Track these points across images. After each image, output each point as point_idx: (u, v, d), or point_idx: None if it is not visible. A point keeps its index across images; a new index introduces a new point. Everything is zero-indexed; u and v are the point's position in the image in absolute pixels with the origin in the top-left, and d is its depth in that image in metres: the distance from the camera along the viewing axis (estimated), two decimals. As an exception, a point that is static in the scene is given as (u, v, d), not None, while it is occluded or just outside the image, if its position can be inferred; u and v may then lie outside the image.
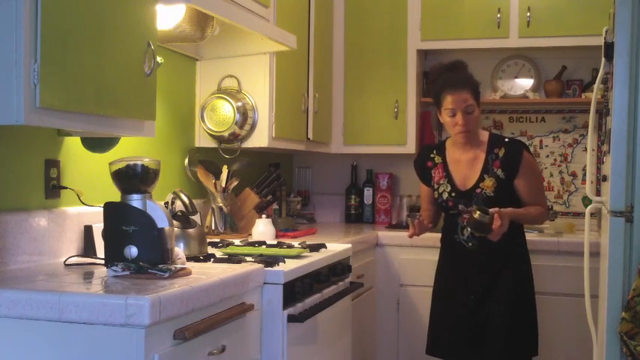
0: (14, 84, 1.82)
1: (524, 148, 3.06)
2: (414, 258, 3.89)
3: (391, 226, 4.39)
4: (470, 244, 3.06)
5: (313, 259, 2.77)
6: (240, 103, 3.36)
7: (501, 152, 3.03)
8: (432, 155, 3.19)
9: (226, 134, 3.37)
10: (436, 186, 3.13)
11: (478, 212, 2.86)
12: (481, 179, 3.02)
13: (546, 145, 4.46)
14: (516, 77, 4.42)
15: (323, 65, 4.21)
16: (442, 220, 3.27)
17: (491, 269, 3.05)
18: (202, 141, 3.47)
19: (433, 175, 3.16)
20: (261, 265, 2.45)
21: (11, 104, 1.82)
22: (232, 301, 2.21)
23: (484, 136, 3.11)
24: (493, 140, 3.08)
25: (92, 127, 2.10)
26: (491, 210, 2.86)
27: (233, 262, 2.47)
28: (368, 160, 4.66)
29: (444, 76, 3.10)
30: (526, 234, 3.91)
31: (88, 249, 2.54)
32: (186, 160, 3.37)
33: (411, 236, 3.09)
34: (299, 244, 3.00)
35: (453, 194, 3.06)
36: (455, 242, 3.11)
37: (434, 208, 3.24)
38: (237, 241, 3.12)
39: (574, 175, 4.42)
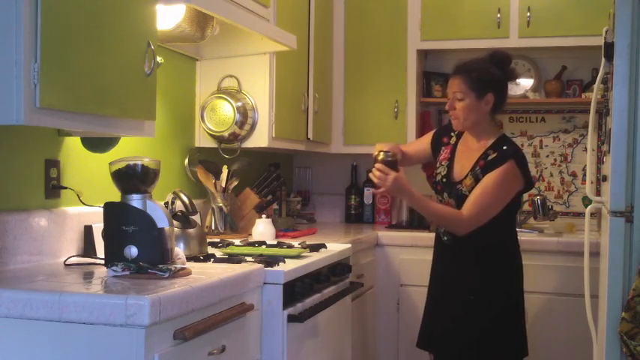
0: (14, 84, 1.82)
1: (513, 158, 2.90)
2: (414, 258, 3.89)
3: (391, 226, 4.39)
4: (445, 237, 3.03)
5: (313, 259, 2.77)
6: (240, 103, 3.36)
7: (493, 155, 2.94)
8: (451, 134, 3.14)
9: (226, 134, 3.37)
10: (438, 164, 3.11)
11: (382, 152, 2.90)
12: (465, 176, 2.97)
13: (546, 145, 4.46)
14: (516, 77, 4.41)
15: (323, 65, 4.21)
16: None
17: (463, 271, 3.00)
18: (202, 141, 3.47)
19: (441, 152, 3.12)
20: (261, 265, 2.45)
21: (11, 104, 1.82)
22: (232, 301, 2.21)
23: (493, 135, 3.02)
24: (497, 143, 2.99)
25: (92, 127, 2.10)
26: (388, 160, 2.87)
27: (233, 262, 2.47)
28: (368, 160, 4.63)
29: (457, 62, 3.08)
30: (526, 234, 3.94)
31: (88, 249, 2.54)
32: (186, 160, 3.37)
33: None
34: (299, 244, 3.00)
35: (444, 180, 3.03)
36: (437, 234, 3.11)
37: (412, 156, 3.22)
38: (237, 241, 3.12)
39: (574, 175, 4.42)
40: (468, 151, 3.04)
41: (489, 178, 2.90)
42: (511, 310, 3.02)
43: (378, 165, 2.90)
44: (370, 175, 2.94)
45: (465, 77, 2.97)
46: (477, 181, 2.93)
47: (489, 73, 2.98)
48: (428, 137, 3.26)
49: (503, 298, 3.00)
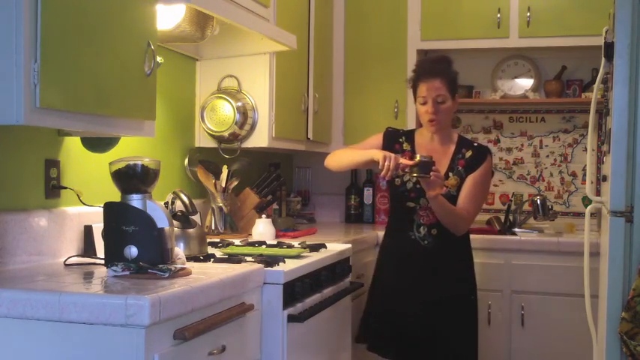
0: (14, 84, 1.82)
1: (489, 153, 3.07)
2: (414, 258, 3.88)
3: (391, 226, 4.39)
4: (425, 242, 3.02)
5: (313, 259, 2.77)
6: (240, 103, 3.37)
7: (468, 153, 3.04)
8: (400, 140, 3.13)
9: (226, 134, 3.37)
10: (401, 173, 2.95)
11: (419, 155, 2.82)
12: (446, 177, 2.99)
13: (546, 145, 4.46)
14: (516, 77, 4.42)
15: (323, 65, 4.21)
16: (389, 216, 3.27)
17: (445, 271, 3.03)
18: (202, 141, 3.47)
19: None
20: (261, 265, 2.45)
21: (11, 104, 1.82)
22: (232, 301, 2.21)
23: (454, 136, 3.11)
24: (462, 141, 3.09)
25: (92, 127, 2.10)
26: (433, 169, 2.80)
27: (233, 262, 2.47)
28: (368, 160, 4.65)
29: (422, 65, 3.12)
30: (526, 234, 3.95)
31: (88, 249, 2.54)
32: (186, 160, 3.37)
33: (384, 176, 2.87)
34: (299, 244, 3.00)
35: (419, 186, 2.94)
36: (409, 240, 3.05)
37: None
38: (237, 241, 3.12)
39: (574, 175, 4.42)
40: (433, 154, 2.97)
41: (478, 175, 3.01)
42: (476, 306, 3.15)
43: (435, 167, 2.82)
44: (434, 176, 2.79)
45: (444, 79, 2.98)
46: (461, 178, 3.01)
47: (455, 74, 3.07)
48: (376, 142, 3.14)
49: (474, 296, 3.13)
